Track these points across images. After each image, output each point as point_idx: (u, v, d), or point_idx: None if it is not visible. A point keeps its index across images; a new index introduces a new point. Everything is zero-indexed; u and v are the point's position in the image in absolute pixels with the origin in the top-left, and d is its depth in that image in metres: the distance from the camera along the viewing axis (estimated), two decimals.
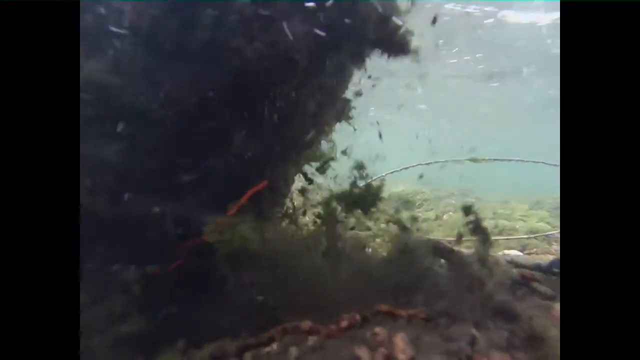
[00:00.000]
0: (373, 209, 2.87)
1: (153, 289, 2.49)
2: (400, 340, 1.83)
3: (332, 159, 3.10)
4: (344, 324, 2.02)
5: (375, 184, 2.91)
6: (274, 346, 2.01)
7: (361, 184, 2.91)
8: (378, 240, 3.26)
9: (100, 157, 2.19)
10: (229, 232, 2.26)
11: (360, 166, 2.93)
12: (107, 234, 2.34)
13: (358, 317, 2.06)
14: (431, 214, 9.17)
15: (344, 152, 3.21)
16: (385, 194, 3.03)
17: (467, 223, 2.68)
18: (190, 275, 2.55)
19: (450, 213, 8.93)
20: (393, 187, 10.83)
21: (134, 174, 2.37)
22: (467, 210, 2.65)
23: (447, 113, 20.49)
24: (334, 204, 2.83)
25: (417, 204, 10.24)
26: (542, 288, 2.62)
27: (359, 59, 2.91)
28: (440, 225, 8.33)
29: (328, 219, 2.79)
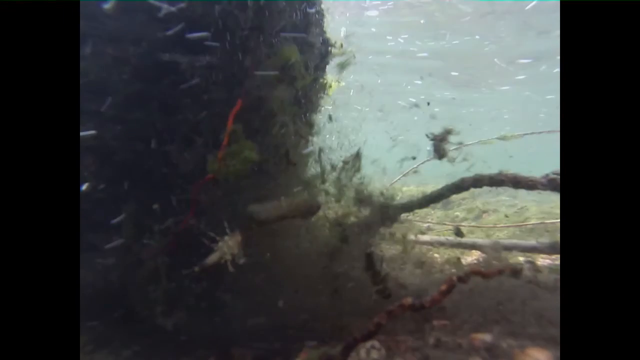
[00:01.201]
0: None
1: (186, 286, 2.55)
2: (541, 354, 1.62)
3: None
4: (444, 287, 1.94)
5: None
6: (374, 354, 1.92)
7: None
8: None
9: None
10: (232, 160, 2.23)
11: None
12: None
13: (455, 278, 1.97)
14: (470, 214, 8.85)
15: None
16: (421, 193, 2.98)
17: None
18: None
19: (490, 212, 8.60)
20: (428, 186, 10.56)
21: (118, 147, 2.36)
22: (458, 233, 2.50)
23: None
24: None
25: (457, 204, 9.89)
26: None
27: None
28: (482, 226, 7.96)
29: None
